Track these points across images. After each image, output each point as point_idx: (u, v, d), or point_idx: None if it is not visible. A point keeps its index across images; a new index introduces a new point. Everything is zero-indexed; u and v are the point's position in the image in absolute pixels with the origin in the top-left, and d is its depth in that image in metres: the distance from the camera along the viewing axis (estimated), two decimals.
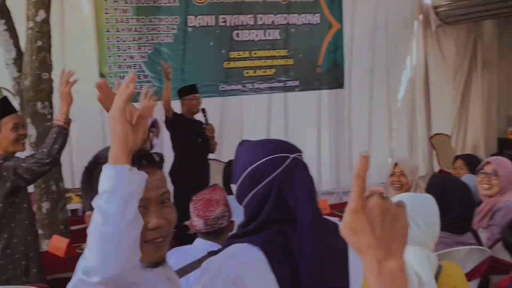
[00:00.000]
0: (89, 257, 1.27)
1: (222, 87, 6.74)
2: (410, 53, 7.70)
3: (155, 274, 1.48)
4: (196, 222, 2.83)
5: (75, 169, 5.61)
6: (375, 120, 7.44)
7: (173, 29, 6.55)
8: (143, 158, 1.46)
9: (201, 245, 2.84)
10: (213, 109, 5.70)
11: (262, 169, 1.64)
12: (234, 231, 3.02)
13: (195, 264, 2.79)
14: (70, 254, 3.65)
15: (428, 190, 3.19)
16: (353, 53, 7.26)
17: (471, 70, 8.25)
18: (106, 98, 1.86)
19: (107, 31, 6.28)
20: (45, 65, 3.99)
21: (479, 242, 3.20)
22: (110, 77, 6.28)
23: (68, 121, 3.16)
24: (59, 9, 5.59)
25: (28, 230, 3.25)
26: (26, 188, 3.25)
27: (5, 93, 4.07)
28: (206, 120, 5.25)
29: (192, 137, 5.14)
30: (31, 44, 3.93)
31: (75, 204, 5.24)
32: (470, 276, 2.80)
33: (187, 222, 4.34)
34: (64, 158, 4.06)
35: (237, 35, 6.79)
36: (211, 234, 2.84)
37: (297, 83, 7.02)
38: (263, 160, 1.65)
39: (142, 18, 6.42)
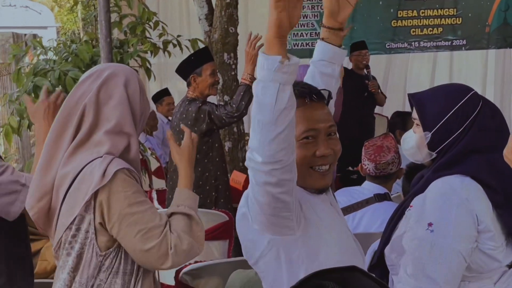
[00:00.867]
0: (253, 139, 1.30)
1: (388, 45, 6.58)
2: None
3: (320, 199, 1.52)
4: (367, 165, 2.83)
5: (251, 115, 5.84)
6: None
7: None
8: (313, 93, 1.49)
9: (368, 187, 2.85)
10: (378, 66, 5.61)
11: (467, 108, 1.67)
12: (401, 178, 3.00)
13: (362, 204, 2.81)
14: (248, 187, 3.83)
15: None
16: None
17: None
18: None
19: None
20: (232, 20, 4.14)
21: None
22: None
23: (253, 80, 3.30)
24: None
25: (218, 166, 3.52)
26: (218, 130, 3.49)
27: (200, 45, 4.29)
28: (369, 76, 5.21)
29: (359, 91, 5.10)
30: (221, 1, 4.09)
31: None
32: None
33: (351, 168, 4.34)
34: None
35: None
36: (379, 177, 2.83)
37: (464, 42, 6.63)
38: (465, 100, 1.68)
39: None
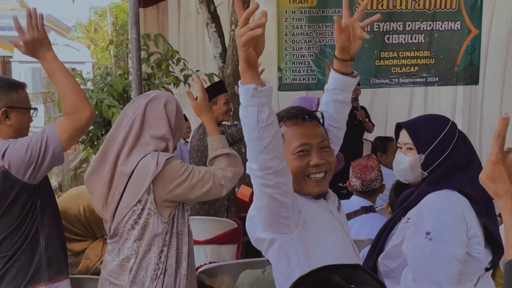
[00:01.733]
0: (248, 151, 1.32)
1: (372, 81, 6.59)
2: None
3: (318, 205, 1.51)
4: (354, 182, 2.83)
5: None
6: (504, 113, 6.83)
7: None
8: (305, 114, 1.51)
9: (356, 201, 2.85)
10: (364, 99, 5.63)
11: (452, 133, 1.69)
12: (385, 192, 2.99)
13: (351, 215, 2.80)
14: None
15: None
16: (488, 54, 6.70)
17: None
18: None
19: (285, 35, 6.43)
20: None
21: None
22: (285, 70, 6.47)
23: None
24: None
25: None
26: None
27: (215, 78, 4.33)
28: (357, 107, 5.23)
29: (350, 120, 5.10)
30: (233, 42, 4.13)
31: None
32: None
33: (341, 184, 4.32)
34: None
35: (388, 38, 6.57)
36: (365, 192, 2.83)
37: (436, 79, 6.63)
38: (449, 126, 1.71)
39: (312, 25, 6.44)
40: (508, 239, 0.92)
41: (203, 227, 3.05)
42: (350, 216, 2.78)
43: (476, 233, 1.59)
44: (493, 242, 1.61)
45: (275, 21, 6.36)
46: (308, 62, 6.53)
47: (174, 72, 4.10)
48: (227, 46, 4.16)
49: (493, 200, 1.47)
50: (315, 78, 6.55)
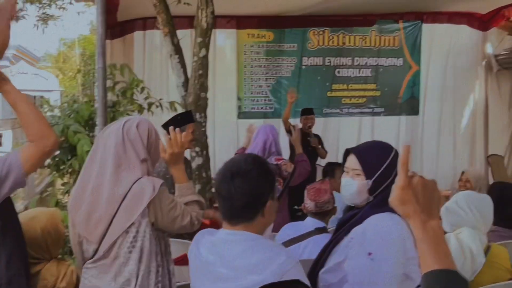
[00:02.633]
0: None
1: (325, 110, 6.74)
2: (474, 91, 7.21)
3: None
4: (308, 204, 2.83)
5: (216, 163, 5.83)
6: (442, 142, 7.04)
7: (291, 67, 6.64)
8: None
9: (310, 222, 2.84)
10: (317, 127, 5.71)
11: (395, 160, 1.70)
12: (337, 214, 3.00)
13: (305, 236, 2.80)
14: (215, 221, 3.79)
15: (489, 191, 3.00)
16: (427, 88, 6.95)
17: None
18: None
19: (245, 67, 6.53)
20: (203, 87, 4.16)
21: None
22: (245, 100, 6.53)
23: None
24: (213, 51, 5.82)
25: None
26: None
27: (177, 106, 4.29)
28: (311, 135, 5.31)
29: (304, 146, 5.15)
30: (195, 73, 4.11)
31: None
32: None
33: (296, 207, 4.32)
34: (211, 154, 4.25)
35: (338, 72, 6.76)
36: (319, 214, 2.83)
37: (382, 109, 6.86)
38: (393, 154, 1.73)
39: (270, 58, 6.58)
40: (420, 253, 0.95)
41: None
42: (305, 236, 2.78)
43: (413, 255, 1.59)
44: None
45: (235, 54, 6.45)
46: (265, 92, 6.62)
47: (138, 100, 4.04)
48: (189, 76, 4.14)
49: None
50: (272, 107, 6.64)
